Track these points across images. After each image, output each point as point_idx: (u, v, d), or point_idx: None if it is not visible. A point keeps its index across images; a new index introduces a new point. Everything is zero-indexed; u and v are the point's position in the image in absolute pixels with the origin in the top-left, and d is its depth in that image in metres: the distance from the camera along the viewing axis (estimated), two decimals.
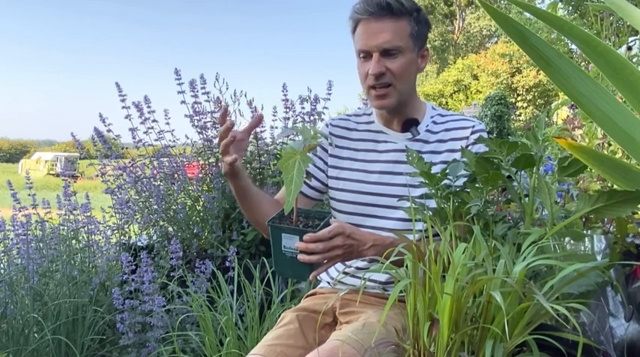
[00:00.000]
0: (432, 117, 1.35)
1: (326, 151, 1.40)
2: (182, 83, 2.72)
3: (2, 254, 2.30)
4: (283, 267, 1.10)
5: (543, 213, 0.90)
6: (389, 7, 1.20)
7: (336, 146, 1.39)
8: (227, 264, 2.31)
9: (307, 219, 1.12)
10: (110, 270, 2.44)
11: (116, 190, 2.70)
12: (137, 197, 2.72)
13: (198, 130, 2.79)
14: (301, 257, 1.04)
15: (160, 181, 2.80)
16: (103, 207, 2.76)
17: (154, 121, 2.74)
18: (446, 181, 0.98)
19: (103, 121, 2.70)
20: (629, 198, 0.75)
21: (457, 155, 1.22)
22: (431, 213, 0.99)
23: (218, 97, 2.77)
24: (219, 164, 2.78)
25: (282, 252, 1.08)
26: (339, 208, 1.37)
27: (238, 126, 2.77)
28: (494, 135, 13.09)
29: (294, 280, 1.99)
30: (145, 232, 2.72)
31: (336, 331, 1.18)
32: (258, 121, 1.27)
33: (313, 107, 2.74)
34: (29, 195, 2.40)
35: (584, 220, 0.92)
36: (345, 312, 1.26)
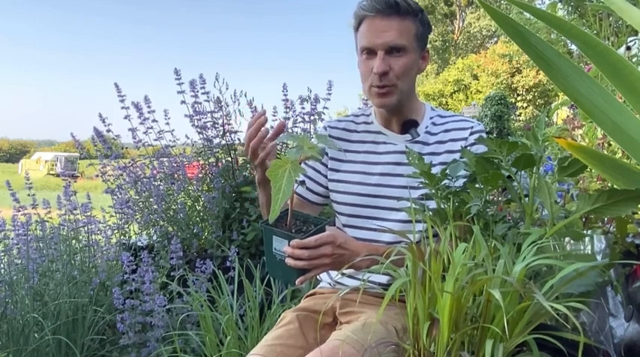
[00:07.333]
0: (431, 118, 1.34)
1: (326, 153, 1.39)
2: (182, 83, 2.73)
3: (2, 254, 2.30)
4: (273, 268, 1.11)
5: (543, 213, 0.90)
6: (397, 5, 1.20)
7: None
8: (227, 264, 2.31)
9: (305, 224, 1.11)
10: (110, 270, 2.44)
11: (116, 190, 2.71)
12: (137, 197, 2.72)
13: (198, 130, 2.79)
14: (289, 261, 1.04)
15: (160, 181, 2.80)
16: (103, 207, 2.77)
17: (153, 121, 2.75)
18: (446, 182, 0.98)
19: (103, 121, 2.71)
20: (629, 197, 0.75)
21: (456, 156, 1.21)
22: (431, 213, 0.99)
23: (218, 98, 2.78)
24: (219, 164, 2.78)
25: (273, 254, 1.08)
26: (340, 211, 1.37)
27: (238, 126, 2.77)
28: (494, 135, 13.09)
29: None
30: (145, 232, 2.73)
31: (336, 331, 1.18)
32: (280, 128, 1.22)
33: (313, 107, 2.74)
34: (29, 195, 2.40)
35: (584, 220, 0.92)
36: (345, 312, 1.25)
